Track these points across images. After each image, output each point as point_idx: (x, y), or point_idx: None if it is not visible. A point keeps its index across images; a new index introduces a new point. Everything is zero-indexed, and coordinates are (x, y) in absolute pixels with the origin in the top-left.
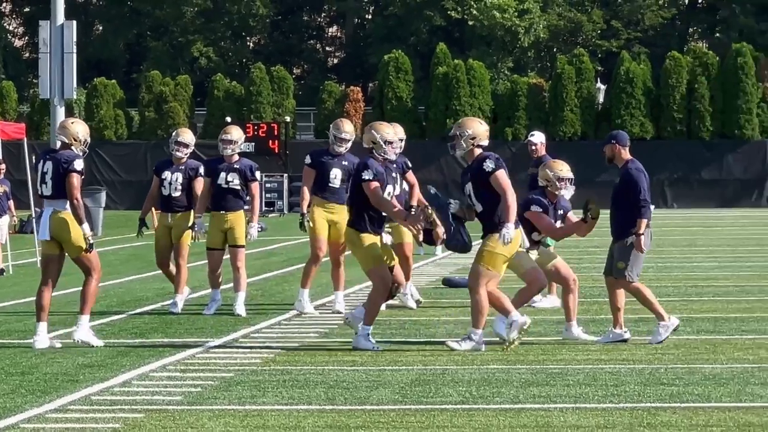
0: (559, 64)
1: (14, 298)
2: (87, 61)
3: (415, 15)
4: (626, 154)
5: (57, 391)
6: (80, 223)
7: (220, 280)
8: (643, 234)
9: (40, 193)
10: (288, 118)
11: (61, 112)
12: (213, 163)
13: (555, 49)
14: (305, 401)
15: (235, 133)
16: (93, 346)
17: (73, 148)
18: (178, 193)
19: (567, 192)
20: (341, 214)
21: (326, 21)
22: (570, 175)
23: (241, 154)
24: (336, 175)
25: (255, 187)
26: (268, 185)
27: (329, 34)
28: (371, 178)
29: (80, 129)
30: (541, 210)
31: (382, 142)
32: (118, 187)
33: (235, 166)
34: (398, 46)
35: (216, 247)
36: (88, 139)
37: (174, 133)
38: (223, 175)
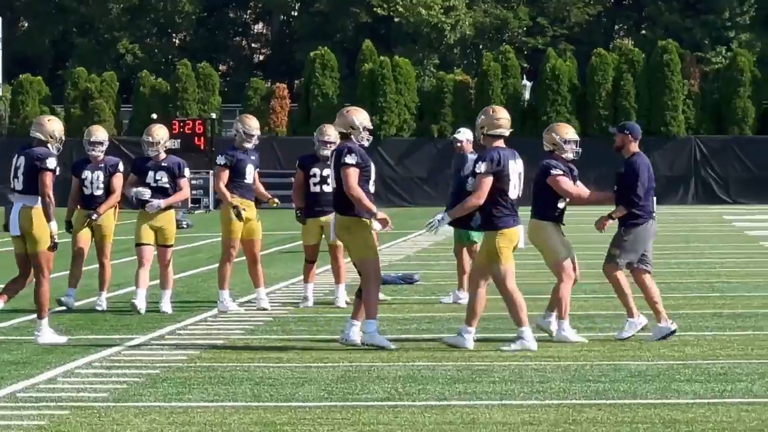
0: (485, 61)
1: None
2: (12, 57)
3: (341, 12)
4: (635, 146)
5: None
6: (48, 220)
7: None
8: (614, 218)
9: (12, 187)
10: (214, 115)
11: None
12: (141, 162)
13: (481, 46)
14: (231, 398)
15: (158, 134)
16: (62, 345)
17: (48, 145)
18: (100, 192)
19: (572, 156)
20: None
21: (252, 18)
22: (576, 137)
23: (168, 151)
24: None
25: (184, 182)
26: (194, 182)
27: (255, 30)
28: (353, 162)
29: (56, 127)
30: (562, 173)
31: (360, 128)
32: None
33: (163, 164)
34: (324, 43)
35: (147, 242)
36: (64, 137)
37: (86, 133)
38: (151, 174)
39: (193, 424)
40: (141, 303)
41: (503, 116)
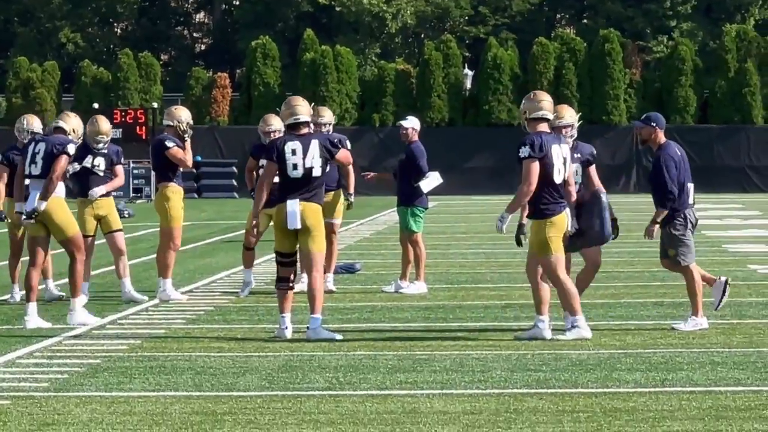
0: (426, 50)
1: None
2: None
3: (282, 1)
4: (662, 137)
5: None
6: (44, 198)
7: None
8: (658, 223)
9: (28, 172)
10: (155, 105)
11: None
12: (79, 149)
13: (422, 36)
14: (172, 388)
15: (104, 125)
16: (94, 325)
17: (70, 136)
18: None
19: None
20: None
21: (194, 7)
22: (571, 121)
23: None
24: None
25: (119, 169)
26: (135, 171)
27: (197, 20)
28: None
29: (78, 124)
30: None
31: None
32: None
33: (102, 150)
34: (266, 32)
35: (91, 234)
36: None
37: (24, 122)
38: (89, 158)
39: (134, 414)
40: (134, 294)
41: (544, 99)
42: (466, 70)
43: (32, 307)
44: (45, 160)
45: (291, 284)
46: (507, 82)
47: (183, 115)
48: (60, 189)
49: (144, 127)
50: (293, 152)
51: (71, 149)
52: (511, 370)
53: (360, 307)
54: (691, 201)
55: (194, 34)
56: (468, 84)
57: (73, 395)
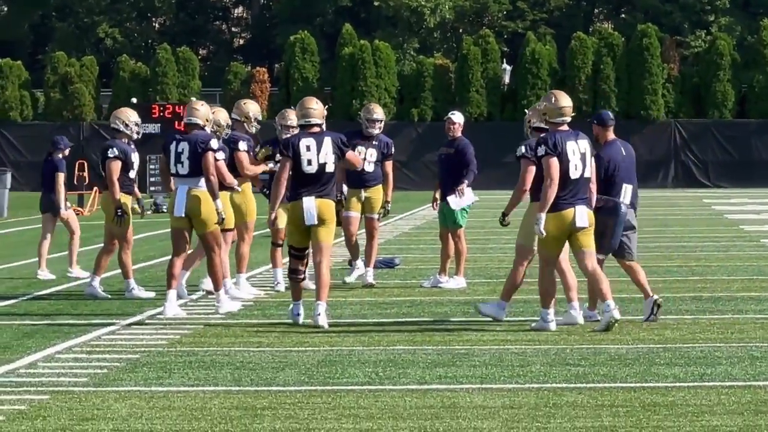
0: (464, 45)
1: None
2: None
3: None
4: (605, 134)
5: None
6: (214, 198)
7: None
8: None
9: (174, 172)
10: (194, 99)
11: None
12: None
13: (461, 30)
14: (211, 383)
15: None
16: (236, 312)
17: (206, 128)
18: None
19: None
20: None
21: (232, 2)
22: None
23: (146, 136)
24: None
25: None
26: None
27: (235, 14)
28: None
29: (208, 111)
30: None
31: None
32: (23, 168)
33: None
34: (304, 27)
35: (232, 227)
36: (222, 121)
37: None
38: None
39: (174, 409)
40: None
41: (565, 104)
42: (505, 65)
43: (172, 294)
44: (190, 159)
45: (303, 275)
46: (545, 76)
47: (252, 109)
48: (202, 183)
49: (182, 122)
50: (307, 149)
51: (215, 144)
52: (550, 365)
53: (399, 301)
54: (625, 200)
55: (233, 29)
56: (506, 79)
57: (112, 390)
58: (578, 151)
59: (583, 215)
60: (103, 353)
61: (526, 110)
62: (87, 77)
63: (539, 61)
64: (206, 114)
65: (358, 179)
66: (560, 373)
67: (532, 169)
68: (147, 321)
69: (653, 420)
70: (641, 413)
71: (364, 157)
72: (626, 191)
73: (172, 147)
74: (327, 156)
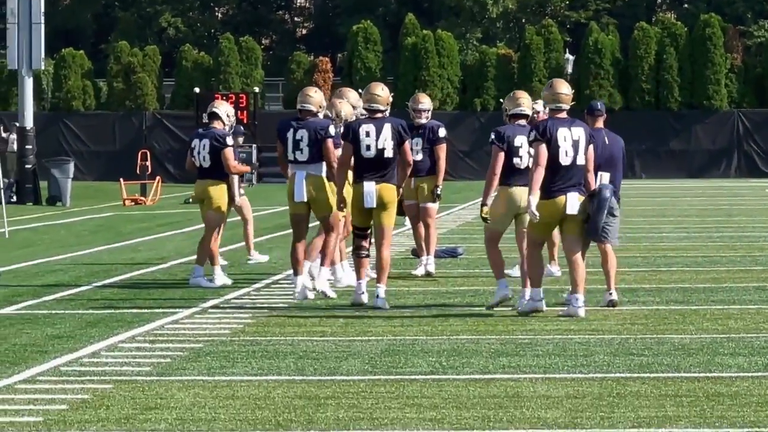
0: (527, 34)
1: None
2: (55, 31)
3: None
4: (593, 123)
5: (26, 362)
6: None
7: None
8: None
9: (293, 159)
10: (256, 89)
11: (29, 83)
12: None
13: (523, 20)
14: (275, 372)
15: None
16: (330, 297)
17: (319, 114)
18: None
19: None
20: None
21: None
22: (521, 110)
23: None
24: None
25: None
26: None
27: (298, 4)
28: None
29: (321, 97)
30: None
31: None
32: (86, 158)
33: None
34: (367, 17)
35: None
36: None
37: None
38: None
39: (237, 398)
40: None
41: (562, 92)
42: (567, 55)
43: (299, 279)
44: (310, 146)
45: (366, 252)
46: (608, 66)
47: (345, 110)
48: (323, 169)
49: (245, 112)
50: (367, 134)
51: (333, 130)
52: (613, 355)
53: (462, 291)
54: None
55: (295, 19)
56: (569, 68)
57: (175, 379)
58: (570, 138)
59: (574, 202)
60: (167, 342)
61: (506, 100)
62: (150, 67)
63: (602, 51)
64: (320, 100)
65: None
66: (624, 363)
67: (501, 156)
68: (210, 310)
69: (717, 410)
70: (705, 403)
71: (411, 147)
72: (601, 179)
73: (290, 134)
74: (386, 142)
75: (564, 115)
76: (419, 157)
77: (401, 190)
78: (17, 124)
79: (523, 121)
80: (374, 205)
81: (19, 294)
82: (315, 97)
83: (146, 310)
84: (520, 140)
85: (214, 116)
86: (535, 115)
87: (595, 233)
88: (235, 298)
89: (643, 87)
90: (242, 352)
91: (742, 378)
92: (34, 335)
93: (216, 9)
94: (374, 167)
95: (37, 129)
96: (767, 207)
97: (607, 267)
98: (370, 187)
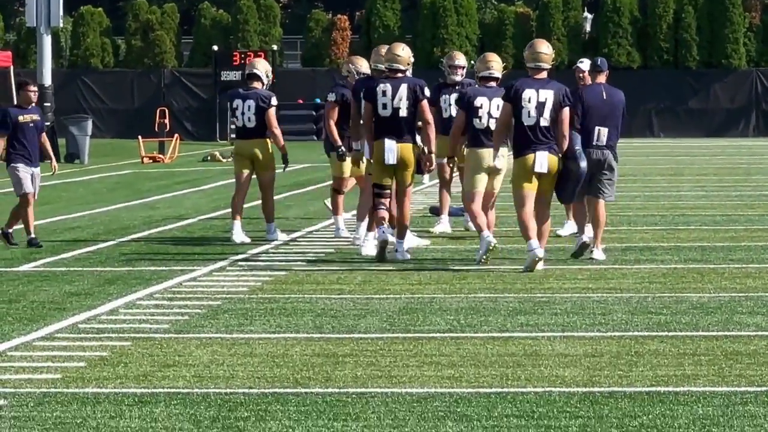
0: None
1: None
2: None
3: None
4: (595, 78)
5: (44, 319)
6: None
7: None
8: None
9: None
10: (275, 47)
11: (47, 41)
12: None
13: None
14: (293, 329)
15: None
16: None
17: (407, 72)
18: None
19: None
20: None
21: None
22: (489, 72)
23: (227, 84)
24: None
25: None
26: None
27: None
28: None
29: (408, 53)
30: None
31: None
32: (104, 115)
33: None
34: None
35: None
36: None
37: (352, 65)
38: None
39: (255, 356)
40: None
41: (541, 51)
42: (586, 13)
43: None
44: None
45: (385, 206)
46: (626, 25)
47: (363, 65)
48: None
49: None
50: (383, 93)
51: (428, 92)
52: (631, 313)
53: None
54: (595, 142)
55: None
56: (587, 27)
57: (193, 337)
58: (536, 100)
59: (542, 161)
60: (185, 300)
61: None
62: (168, 24)
63: (620, 10)
64: (408, 57)
65: (444, 127)
66: (642, 322)
67: (462, 116)
68: (228, 268)
69: (735, 369)
70: (723, 362)
71: (450, 104)
72: (600, 133)
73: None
74: (401, 101)
75: (544, 74)
76: (456, 113)
77: (430, 148)
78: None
79: (493, 84)
80: (394, 162)
81: (37, 252)
82: (403, 55)
83: (164, 268)
84: (481, 101)
85: (254, 77)
86: (581, 75)
87: (568, 199)
88: (253, 256)
89: (662, 46)
90: (260, 310)
91: (760, 337)
92: (52, 292)
93: None
94: (390, 126)
95: (55, 86)
96: None
97: (597, 219)
98: (390, 144)
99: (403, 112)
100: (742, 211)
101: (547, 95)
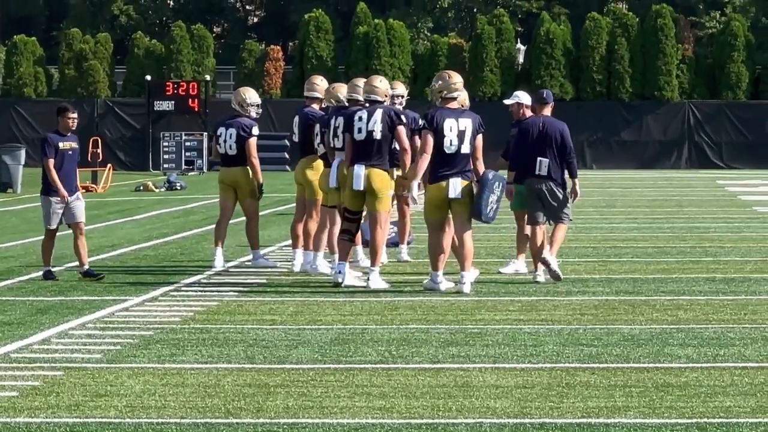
0: (479, 24)
1: None
2: (7, 17)
3: None
4: (540, 110)
5: None
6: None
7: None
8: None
9: (332, 145)
10: (208, 77)
11: None
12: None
13: (475, 10)
14: (225, 360)
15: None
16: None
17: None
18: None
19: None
20: None
21: None
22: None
23: (160, 113)
24: None
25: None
26: (188, 143)
27: None
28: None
29: (386, 86)
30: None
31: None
32: (37, 145)
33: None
34: (319, 5)
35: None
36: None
37: (246, 96)
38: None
39: (187, 386)
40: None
41: (458, 80)
42: (519, 45)
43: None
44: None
45: (353, 236)
46: (559, 57)
47: (342, 92)
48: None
49: (197, 100)
50: (359, 118)
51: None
52: (563, 345)
53: (412, 281)
54: (536, 172)
55: (247, 7)
56: (520, 58)
57: (125, 366)
58: (456, 128)
59: (456, 187)
60: (117, 330)
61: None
62: (101, 54)
63: (553, 41)
64: (386, 89)
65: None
66: (573, 353)
67: (429, 138)
68: (160, 298)
69: (666, 400)
70: (654, 393)
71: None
72: (540, 164)
73: (332, 122)
74: (376, 124)
75: (455, 104)
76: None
77: (404, 173)
78: None
79: (454, 104)
80: (362, 188)
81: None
82: (381, 87)
83: (97, 298)
84: (449, 124)
85: (314, 99)
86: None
87: (478, 215)
88: (185, 287)
89: (595, 77)
90: (192, 340)
91: (691, 369)
92: None
93: None
94: (363, 150)
95: None
96: (717, 198)
97: (552, 241)
98: (359, 170)
99: (377, 135)
100: (674, 243)
101: (466, 124)
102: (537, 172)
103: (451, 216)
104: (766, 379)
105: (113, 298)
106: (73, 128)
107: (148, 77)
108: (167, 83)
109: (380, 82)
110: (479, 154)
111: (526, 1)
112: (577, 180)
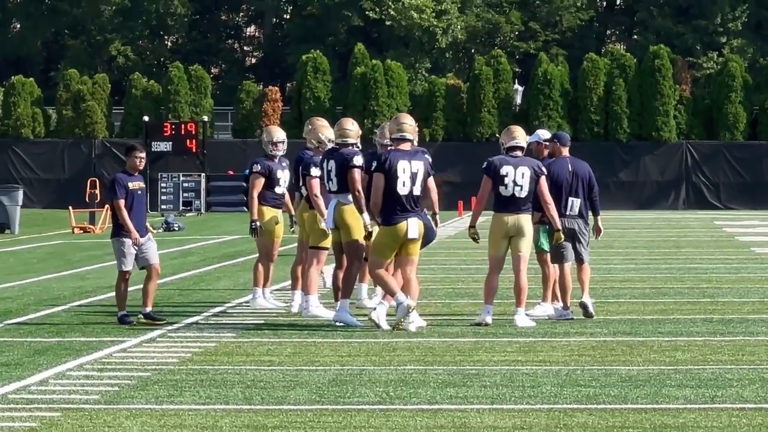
0: (476, 65)
1: None
2: (4, 58)
3: (333, 15)
4: (560, 151)
5: None
6: (360, 212)
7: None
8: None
9: (328, 189)
10: (206, 118)
11: None
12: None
13: (473, 50)
14: (222, 401)
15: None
16: (381, 329)
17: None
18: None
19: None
20: None
21: (244, 20)
22: (515, 143)
23: (158, 154)
24: None
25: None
26: (185, 185)
27: (247, 33)
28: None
29: (357, 129)
30: None
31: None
32: (35, 186)
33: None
34: (316, 46)
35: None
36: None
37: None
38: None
39: (185, 427)
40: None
41: (406, 122)
42: (517, 86)
43: (342, 303)
44: (338, 176)
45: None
46: (557, 97)
47: (327, 134)
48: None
49: (194, 140)
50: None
51: (359, 161)
52: (560, 386)
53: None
54: (567, 212)
55: (245, 48)
56: (518, 99)
57: (123, 408)
58: (409, 170)
59: (414, 227)
60: (115, 371)
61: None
62: (99, 95)
63: (551, 82)
64: (357, 131)
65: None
66: (571, 394)
67: (487, 183)
68: (158, 339)
69: None
70: None
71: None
72: (572, 204)
73: (324, 164)
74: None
75: (408, 146)
76: None
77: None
78: None
79: (518, 153)
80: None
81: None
82: (353, 130)
83: (94, 339)
84: (506, 170)
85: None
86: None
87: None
88: (183, 328)
89: (592, 118)
90: (190, 381)
91: (689, 410)
92: None
93: (166, 38)
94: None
95: None
96: (714, 239)
97: (581, 282)
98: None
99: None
100: (672, 284)
101: (418, 166)
102: (568, 212)
103: (400, 256)
104: (764, 420)
105: (111, 339)
106: (141, 168)
107: (146, 118)
108: (165, 123)
109: (352, 125)
110: (434, 194)
111: (524, 41)
112: (599, 217)
